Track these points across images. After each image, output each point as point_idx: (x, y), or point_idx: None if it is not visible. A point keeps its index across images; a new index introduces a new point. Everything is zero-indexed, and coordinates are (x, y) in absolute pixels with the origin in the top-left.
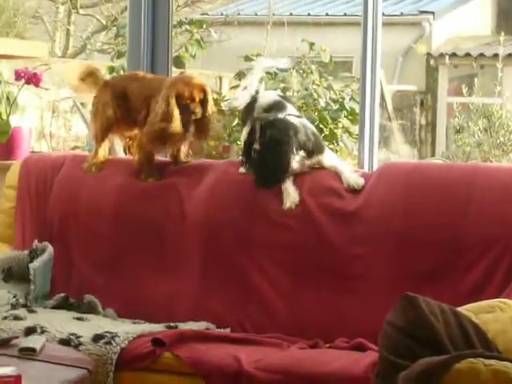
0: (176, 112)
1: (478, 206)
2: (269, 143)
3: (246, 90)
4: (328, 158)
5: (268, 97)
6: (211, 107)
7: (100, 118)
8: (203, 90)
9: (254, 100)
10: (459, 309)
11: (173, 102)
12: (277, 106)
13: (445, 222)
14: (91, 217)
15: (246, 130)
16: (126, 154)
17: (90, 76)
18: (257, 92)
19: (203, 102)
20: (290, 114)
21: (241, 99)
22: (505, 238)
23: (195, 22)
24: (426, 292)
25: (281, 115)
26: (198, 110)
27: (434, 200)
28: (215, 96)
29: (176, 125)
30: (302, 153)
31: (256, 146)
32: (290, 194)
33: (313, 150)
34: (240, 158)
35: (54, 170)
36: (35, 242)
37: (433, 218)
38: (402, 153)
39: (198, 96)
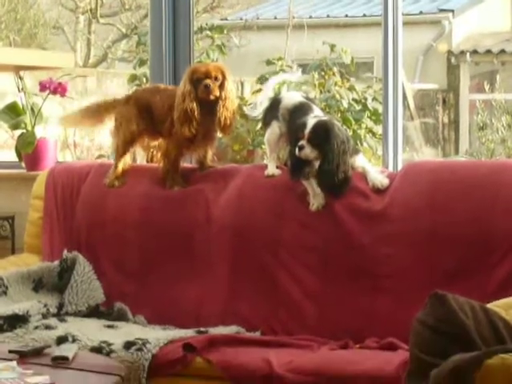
0: (189, 89)
1: (505, 202)
2: (339, 146)
3: (261, 104)
4: (359, 160)
5: (293, 98)
6: (231, 91)
7: (123, 133)
8: (221, 71)
9: (277, 101)
10: (488, 305)
11: (187, 81)
12: (303, 108)
13: (472, 218)
14: (118, 225)
15: (269, 132)
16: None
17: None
18: (279, 93)
19: (222, 86)
20: (317, 115)
21: (258, 109)
22: None
23: (216, 28)
24: (455, 289)
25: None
26: (213, 87)
27: (460, 197)
28: (238, 101)
29: (191, 104)
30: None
31: (302, 142)
32: (317, 194)
33: (351, 152)
34: (283, 161)
35: (80, 179)
36: (65, 251)
37: (459, 215)
38: (426, 152)
39: (213, 73)
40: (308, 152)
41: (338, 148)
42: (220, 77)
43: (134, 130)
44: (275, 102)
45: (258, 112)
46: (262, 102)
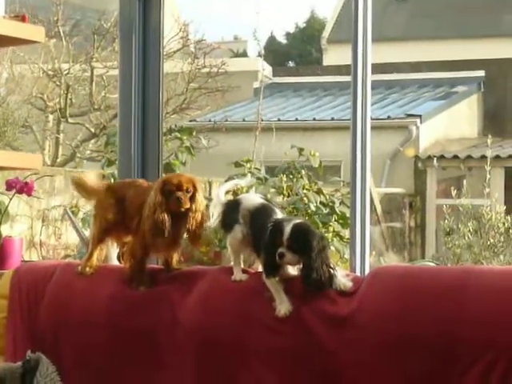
0: (160, 200)
1: (471, 309)
2: (318, 244)
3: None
4: None
5: (253, 199)
6: (201, 204)
7: (99, 221)
8: (192, 183)
9: (236, 203)
10: None
11: (158, 192)
12: (266, 210)
13: (439, 326)
14: (83, 326)
15: (232, 236)
16: (119, 261)
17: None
18: (236, 195)
19: (193, 198)
20: (289, 218)
21: (212, 219)
22: (499, 341)
23: (185, 130)
24: None
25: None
26: (185, 199)
27: (427, 305)
28: (205, 202)
29: (162, 215)
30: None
31: (282, 250)
32: (284, 301)
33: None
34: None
35: (45, 279)
36: (28, 352)
37: (426, 322)
38: (391, 257)
39: (185, 185)
40: (290, 258)
41: (318, 246)
42: (191, 189)
43: (110, 219)
44: (234, 205)
45: (212, 220)
46: (215, 211)
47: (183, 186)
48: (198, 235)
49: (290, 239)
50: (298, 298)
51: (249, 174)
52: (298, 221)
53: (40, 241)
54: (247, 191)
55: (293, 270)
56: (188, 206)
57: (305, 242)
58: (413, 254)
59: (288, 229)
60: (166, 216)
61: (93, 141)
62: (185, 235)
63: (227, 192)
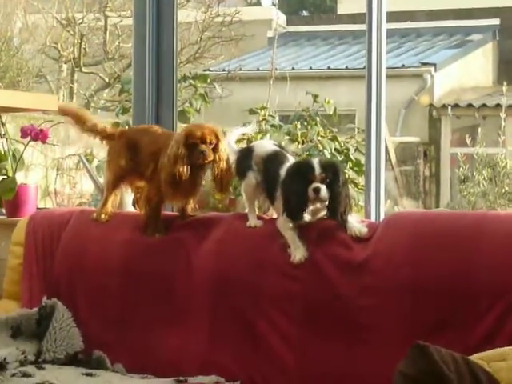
0: (183, 153)
1: (487, 253)
2: (345, 180)
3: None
4: None
5: (266, 147)
6: (224, 152)
7: (113, 167)
8: (215, 134)
9: (249, 150)
10: (471, 357)
11: (181, 145)
12: (278, 157)
13: (454, 270)
14: (99, 273)
15: (246, 183)
16: (134, 207)
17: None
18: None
19: (216, 148)
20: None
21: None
22: None
23: (199, 77)
24: (437, 341)
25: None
26: (209, 152)
27: (443, 249)
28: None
29: (182, 168)
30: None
31: (317, 184)
32: (299, 246)
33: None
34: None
35: (60, 226)
36: (44, 298)
37: (442, 266)
38: (406, 204)
39: (208, 138)
40: (324, 193)
41: (343, 179)
42: (214, 140)
43: (123, 165)
44: (247, 152)
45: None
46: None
47: (206, 138)
48: (225, 183)
49: (322, 173)
50: (312, 244)
51: (254, 121)
52: (319, 157)
53: (55, 190)
54: (262, 138)
55: (307, 216)
56: (212, 158)
57: (334, 175)
58: (427, 202)
59: (317, 164)
60: (185, 169)
61: (107, 90)
62: (210, 184)
63: (238, 141)
